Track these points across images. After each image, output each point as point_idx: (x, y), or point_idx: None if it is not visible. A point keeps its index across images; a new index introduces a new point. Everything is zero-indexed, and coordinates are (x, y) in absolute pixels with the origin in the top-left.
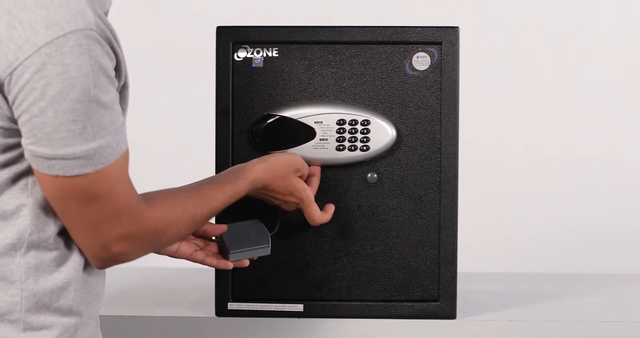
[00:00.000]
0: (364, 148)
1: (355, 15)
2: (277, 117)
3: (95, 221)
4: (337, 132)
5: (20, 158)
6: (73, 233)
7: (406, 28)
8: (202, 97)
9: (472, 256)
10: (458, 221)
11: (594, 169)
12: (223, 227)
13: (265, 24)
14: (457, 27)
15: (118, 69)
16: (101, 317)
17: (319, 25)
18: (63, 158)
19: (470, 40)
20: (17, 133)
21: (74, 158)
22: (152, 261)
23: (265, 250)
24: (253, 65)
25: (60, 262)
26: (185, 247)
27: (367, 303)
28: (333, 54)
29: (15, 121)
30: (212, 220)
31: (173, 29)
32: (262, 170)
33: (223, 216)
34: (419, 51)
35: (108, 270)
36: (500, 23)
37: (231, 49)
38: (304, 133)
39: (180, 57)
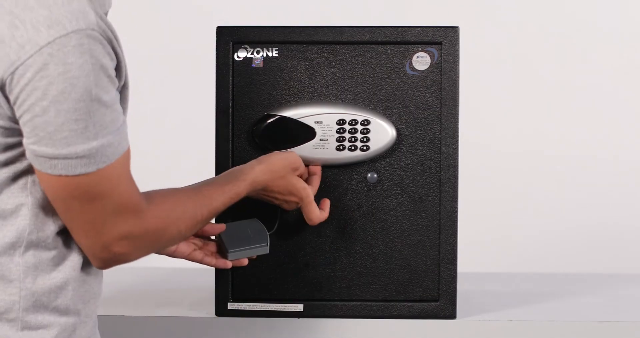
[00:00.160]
0: (364, 147)
1: (355, 15)
2: (277, 117)
3: (96, 221)
4: (337, 132)
5: (20, 157)
6: (74, 234)
7: (406, 28)
8: (202, 97)
9: (472, 256)
10: (458, 221)
11: (594, 169)
12: (222, 226)
13: (265, 24)
14: (457, 27)
15: (118, 69)
16: (101, 317)
17: (319, 25)
18: (65, 157)
19: (470, 40)
20: (17, 133)
21: (77, 157)
22: (152, 261)
23: (264, 249)
24: (253, 65)
25: (58, 261)
26: (184, 246)
27: (367, 303)
28: (333, 54)
29: (15, 121)
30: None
31: (173, 29)
32: (262, 171)
33: (222, 215)
34: (419, 51)
35: (107, 270)
36: (500, 23)
37: (231, 49)
38: (304, 133)
39: (180, 57)
